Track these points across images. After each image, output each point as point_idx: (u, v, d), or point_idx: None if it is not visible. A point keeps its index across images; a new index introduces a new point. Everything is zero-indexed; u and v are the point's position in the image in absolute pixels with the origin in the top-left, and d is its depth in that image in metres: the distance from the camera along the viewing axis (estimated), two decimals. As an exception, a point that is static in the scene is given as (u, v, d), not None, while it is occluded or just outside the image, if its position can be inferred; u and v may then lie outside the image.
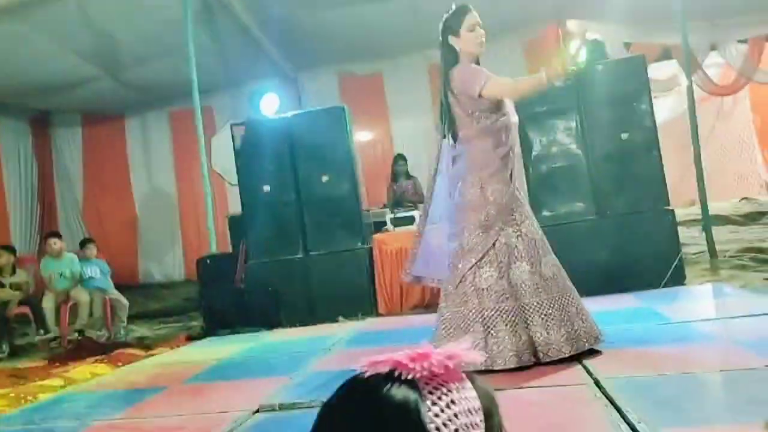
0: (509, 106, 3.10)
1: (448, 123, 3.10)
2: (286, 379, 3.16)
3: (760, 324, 3.18)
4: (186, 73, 6.82)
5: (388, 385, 0.65)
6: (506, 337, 2.77)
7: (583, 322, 2.91)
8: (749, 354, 2.56)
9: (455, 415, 0.65)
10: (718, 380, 2.33)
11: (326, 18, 8.03)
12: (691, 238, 7.21)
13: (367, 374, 0.68)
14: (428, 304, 5.31)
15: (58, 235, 6.77)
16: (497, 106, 3.02)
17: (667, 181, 5.33)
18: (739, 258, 5.75)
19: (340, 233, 5.70)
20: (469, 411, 0.67)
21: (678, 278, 4.99)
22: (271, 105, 6.02)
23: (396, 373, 0.67)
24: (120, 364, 4.71)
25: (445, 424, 0.64)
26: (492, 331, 2.80)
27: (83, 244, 6.98)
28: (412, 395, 0.65)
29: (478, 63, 3.10)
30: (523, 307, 2.85)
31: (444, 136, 3.17)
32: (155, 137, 10.32)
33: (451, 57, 3.07)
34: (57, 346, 6.04)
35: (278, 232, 5.80)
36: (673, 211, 5.21)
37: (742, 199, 10.06)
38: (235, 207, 7.54)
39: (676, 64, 9.09)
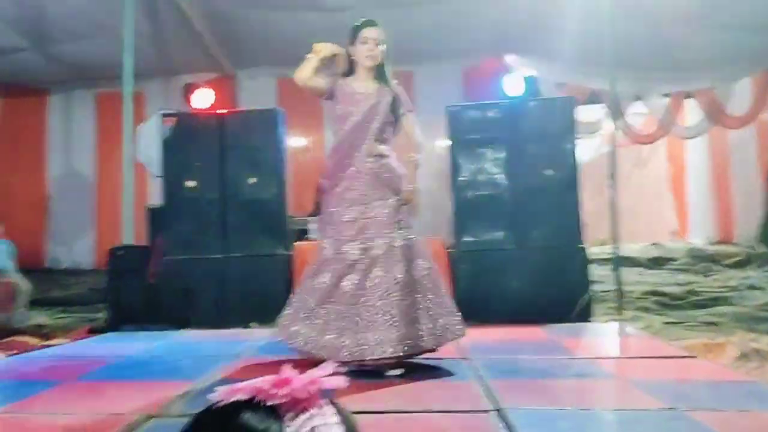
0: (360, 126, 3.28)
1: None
2: (188, 384, 3.06)
3: (657, 366, 3.35)
4: (118, 55, 6.58)
5: (248, 412, 0.64)
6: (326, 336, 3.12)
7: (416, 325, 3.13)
8: (644, 395, 2.68)
9: None
10: (613, 419, 2.43)
11: (270, 19, 7.96)
12: (600, 276, 7.51)
13: (225, 402, 0.66)
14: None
15: None
16: (343, 119, 3.29)
17: (582, 220, 5.55)
18: (643, 300, 6.03)
19: (262, 237, 5.61)
20: None
21: (585, 314, 5.18)
22: (205, 99, 5.87)
23: (256, 400, 0.65)
24: (14, 351, 4.45)
25: None
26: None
27: None
28: (273, 422, 0.64)
29: (378, 77, 3.33)
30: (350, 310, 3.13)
31: None
32: (79, 118, 9.89)
33: (348, 66, 3.32)
34: (-55, 326, 5.64)
35: (199, 230, 5.64)
36: (585, 249, 5.41)
37: (652, 243, 10.58)
38: (155, 199, 7.30)
39: (601, 109, 9.52)
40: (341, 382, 0.68)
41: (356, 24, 3.28)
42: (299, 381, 0.66)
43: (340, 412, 0.68)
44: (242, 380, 0.71)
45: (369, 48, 3.23)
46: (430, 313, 3.15)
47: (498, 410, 2.50)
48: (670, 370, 3.26)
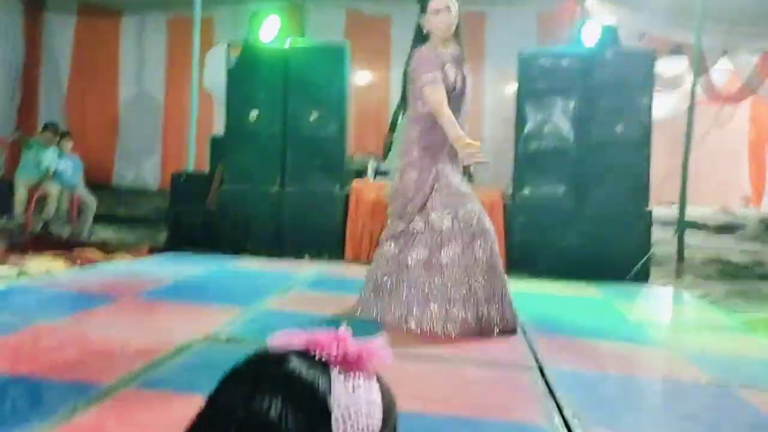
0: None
1: (405, 101, 3.24)
2: (239, 309, 3.15)
3: (711, 338, 3.24)
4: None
5: (300, 362, 0.67)
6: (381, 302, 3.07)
7: (488, 307, 2.97)
8: (692, 367, 2.60)
9: (357, 403, 0.67)
10: (658, 389, 2.37)
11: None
12: (663, 239, 7.28)
13: (279, 349, 0.68)
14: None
15: (55, 128, 6.72)
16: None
17: (651, 180, 5.33)
18: (705, 267, 5.83)
19: (319, 174, 5.62)
20: (370, 402, 0.68)
21: (643, 277, 5.04)
22: (271, 29, 5.81)
23: (310, 352, 0.68)
24: (78, 263, 4.67)
25: (347, 407, 0.66)
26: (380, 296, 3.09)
27: (60, 137, 6.83)
28: (323, 375, 0.66)
29: (451, 44, 3.13)
30: (404, 281, 3.05)
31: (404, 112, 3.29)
32: (150, 41, 10.01)
33: (419, 35, 3.13)
34: (19, 233, 5.96)
35: (258, 162, 5.69)
36: (650, 212, 5.22)
37: (722, 208, 10.15)
38: (220, 127, 7.39)
39: (684, 63, 9.01)
40: (388, 357, 0.72)
41: None
42: (353, 344, 0.69)
43: (381, 384, 0.72)
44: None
45: (442, 19, 3.03)
46: (490, 295, 3.00)
47: (539, 368, 2.48)
48: (725, 343, 3.15)
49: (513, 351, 2.73)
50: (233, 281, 4.09)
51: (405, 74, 3.20)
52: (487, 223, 3.06)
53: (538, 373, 2.42)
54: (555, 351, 2.73)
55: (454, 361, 2.54)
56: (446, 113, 2.94)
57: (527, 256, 5.23)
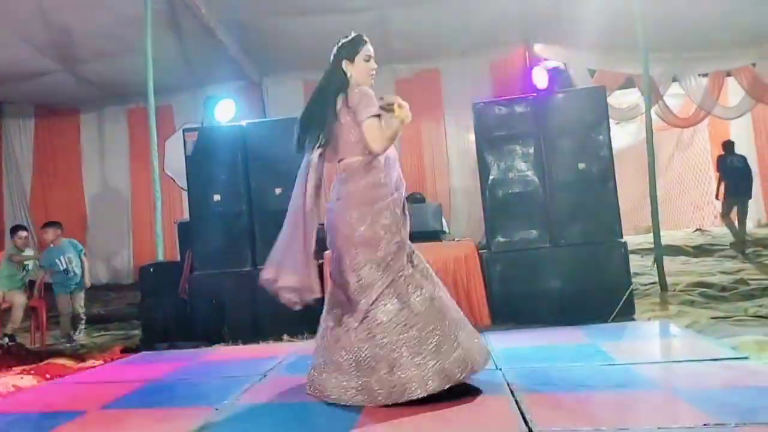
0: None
1: (329, 139, 3.04)
2: (210, 410, 2.98)
3: (704, 371, 3.13)
4: (145, 72, 6.62)
5: None
6: (411, 366, 2.79)
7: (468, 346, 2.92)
8: (690, 408, 2.50)
9: None
10: (654, 440, 2.24)
11: (291, 25, 7.90)
12: (644, 267, 7.25)
13: None
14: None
15: (23, 227, 6.72)
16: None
17: (623, 209, 5.35)
18: (689, 293, 5.76)
19: (289, 248, 5.52)
20: None
21: (627, 311, 4.97)
22: (227, 111, 5.81)
23: None
24: (48, 376, 4.46)
25: None
26: (397, 363, 2.82)
27: (45, 226, 6.71)
28: None
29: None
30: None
31: (313, 151, 3.07)
32: (111, 134, 10.04)
33: (340, 79, 3.06)
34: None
35: (227, 244, 5.60)
36: (625, 243, 5.19)
37: (696, 230, 10.20)
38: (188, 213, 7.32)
39: (638, 93, 9.20)
40: None
41: (353, 39, 3.10)
42: None
43: None
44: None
45: (372, 66, 3.10)
46: None
47: (530, 432, 2.35)
48: (719, 374, 3.04)
49: (501, 416, 2.59)
50: (206, 376, 3.91)
51: (331, 117, 3.03)
52: None
53: (529, 440, 2.29)
54: (545, 410, 2.60)
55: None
56: (385, 134, 2.90)
57: (510, 305, 5.15)
